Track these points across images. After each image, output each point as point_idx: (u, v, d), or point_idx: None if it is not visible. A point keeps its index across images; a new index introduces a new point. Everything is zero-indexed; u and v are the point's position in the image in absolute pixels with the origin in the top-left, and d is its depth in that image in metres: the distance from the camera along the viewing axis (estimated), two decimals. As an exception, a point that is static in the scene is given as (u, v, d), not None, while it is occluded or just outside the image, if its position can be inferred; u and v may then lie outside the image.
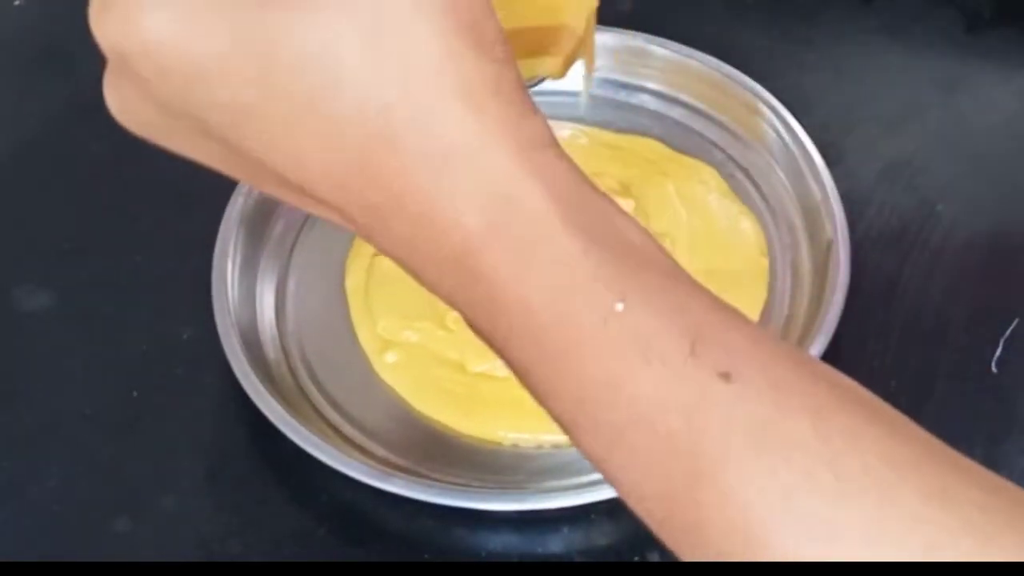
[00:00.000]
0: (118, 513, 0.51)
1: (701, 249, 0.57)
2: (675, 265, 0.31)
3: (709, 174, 0.59)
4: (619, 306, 0.29)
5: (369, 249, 0.58)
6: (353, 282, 0.57)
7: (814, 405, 0.29)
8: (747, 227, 0.57)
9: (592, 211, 0.30)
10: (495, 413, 0.52)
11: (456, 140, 0.29)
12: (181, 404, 0.54)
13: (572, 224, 0.29)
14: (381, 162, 0.30)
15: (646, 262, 0.30)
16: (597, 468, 0.31)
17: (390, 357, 0.54)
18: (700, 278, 0.31)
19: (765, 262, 0.56)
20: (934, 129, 0.61)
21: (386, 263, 0.57)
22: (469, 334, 0.53)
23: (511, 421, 0.52)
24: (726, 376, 0.29)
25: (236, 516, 0.51)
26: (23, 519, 0.51)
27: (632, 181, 0.59)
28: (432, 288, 0.32)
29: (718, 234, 0.57)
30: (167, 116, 0.32)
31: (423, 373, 0.54)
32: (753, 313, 0.54)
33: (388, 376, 0.54)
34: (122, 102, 0.33)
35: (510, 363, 0.31)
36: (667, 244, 0.56)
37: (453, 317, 0.54)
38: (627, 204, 0.57)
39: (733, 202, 0.58)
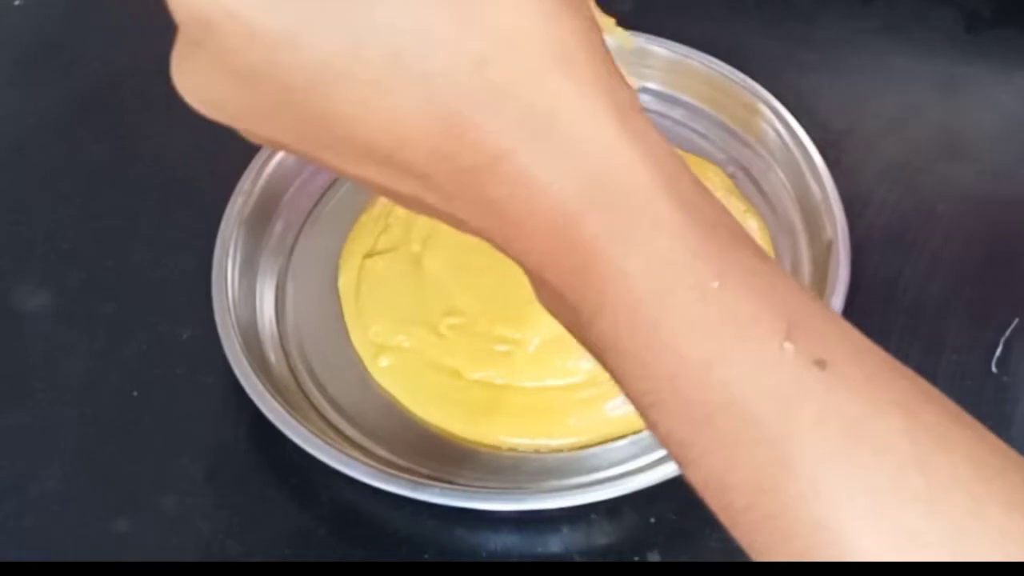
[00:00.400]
0: (118, 513, 0.51)
1: None
2: (761, 247, 0.30)
3: (714, 172, 0.59)
4: (715, 284, 0.28)
5: (360, 248, 0.58)
6: (345, 282, 0.57)
7: (904, 402, 0.29)
8: (753, 226, 0.57)
9: (686, 183, 0.29)
10: (493, 419, 0.52)
11: (555, 103, 0.29)
12: (181, 404, 0.54)
13: (673, 195, 0.29)
14: (478, 124, 0.28)
15: (738, 240, 0.30)
16: (674, 453, 0.30)
17: (384, 361, 0.54)
18: None
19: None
20: (934, 129, 0.61)
21: (377, 266, 0.57)
22: (463, 340, 0.54)
23: (509, 427, 0.52)
24: (821, 364, 0.28)
25: (236, 516, 0.51)
26: (23, 519, 0.51)
27: None
28: (519, 257, 0.30)
29: None
30: (246, 88, 0.30)
31: (418, 378, 0.53)
32: None
33: (383, 380, 0.54)
34: (195, 77, 0.31)
35: (592, 338, 0.30)
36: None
37: (447, 324, 0.54)
38: None
39: (740, 200, 0.58)
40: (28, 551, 0.50)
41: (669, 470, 0.48)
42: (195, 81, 0.32)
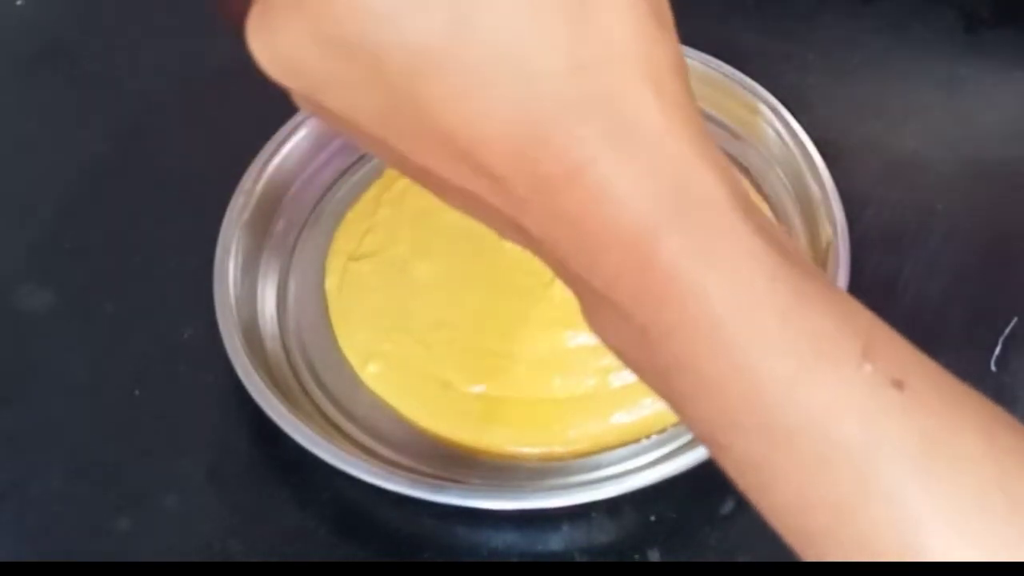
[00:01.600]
0: (119, 513, 0.51)
1: None
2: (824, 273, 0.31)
3: None
4: (794, 306, 0.28)
5: (345, 248, 0.58)
6: (331, 284, 0.57)
7: (980, 423, 0.29)
8: None
9: (755, 209, 0.29)
10: (491, 430, 0.52)
11: (641, 117, 0.28)
12: (182, 403, 0.54)
13: (749, 219, 0.29)
14: (567, 129, 0.28)
15: (808, 265, 0.30)
16: (747, 478, 0.30)
17: (372, 368, 0.54)
18: None
19: None
20: (934, 129, 0.61)
21: (363, 270, 0.57)
22: (454, 352, 0.53)
23: (509, 438, 0.52)
24: (899, 385, 0.28)
25: (237, 515, 0.51)
26: (23, 519, 0.51)
27: None
28: (585, 273, 0.30)
29: None
30: (336, 59, 0.29)
31: (409, 386, 0.53)
32: None
33: (374, 386, 0.54)
34: (280, 38, 0.30)
35: (660, 360, 0.30)
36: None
37: (436, 336, 0.54)
38: None
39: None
40: (29, 551, 0.50)
41: (669, 469, 0.48)
42: (279, 42, 0.30)
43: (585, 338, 0.53)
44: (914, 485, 0.28)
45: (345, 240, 0.58)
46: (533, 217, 0.29)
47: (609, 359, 0.52)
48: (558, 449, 0.51)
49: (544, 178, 0.29)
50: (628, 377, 0.52)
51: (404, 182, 0.60)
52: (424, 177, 0.31)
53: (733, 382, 0.28)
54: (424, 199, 0.59)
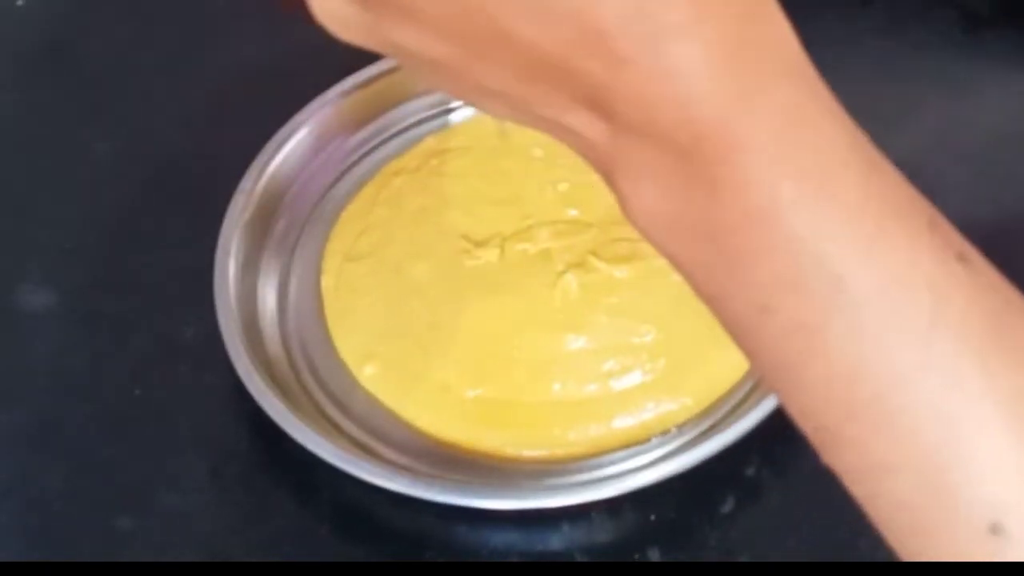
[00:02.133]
0: (119, 512, 0.51)
1: None
2: None
3: None
4: (872, 176, 0.29)
5: (340, 247, 0.58)
6: (327, 285, 0.57)
7: None
8: None
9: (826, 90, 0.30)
10: (492, 433, 0.52)
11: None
12: (183, 403, 0.54)
13: (830, 100, 0.29)
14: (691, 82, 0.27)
15: (879, 159, 0.30)
16: (786, 343, 0.29)
17: (369, 369, 0.54)
18: None
19: None
20: (934, 129, 0.61)
21: (359, 271, 0.56)
22: (452, 356, 0.53)
23: (510, 440, 0.51)
24: (963, 259, 0.29)
25: (238, 515, 0.51)
26: (24, 518, 0.51)
27: None
28: (672, 129, 0.28)
29: None
30: None
31: (405, 388, 0.53)
32: None
33: (371, 387, 0.53)
34: None
35: (731, 216, 0.28)
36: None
37: (433, 339, 0.54)
38: None
39: None
40: (29, 550, 0.50)
41: (669, 469, 0.48)
42: None
43: (586, 342, 0.53)
44: (972, 359, 0.28)
45: (341, 240, 0.58)
46: (630, 77, 0.28)
47: (612, 363, 0.52)
48: (558, 452, 0.51)
49: (655, 32, 0.27)
50: (630, 381, 0.52)
51: (401, 180, 0.60)
52: (499, 98, 0.30)
53: (803, 240, 0.28)
54: (421, 197, 0.59)
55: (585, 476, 0.50)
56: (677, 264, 0.31)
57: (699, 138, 0.28)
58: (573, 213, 0.58)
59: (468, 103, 0.33)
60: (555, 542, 0.49)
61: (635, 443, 0.51)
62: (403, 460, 0.51)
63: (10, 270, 0.59)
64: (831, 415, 0.29)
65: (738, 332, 0.30)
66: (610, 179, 0.30)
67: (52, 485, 0.52)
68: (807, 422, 0.30)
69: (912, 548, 0.30)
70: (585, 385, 0.52)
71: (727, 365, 0.52)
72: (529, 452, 0.51)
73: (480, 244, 0.57)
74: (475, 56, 0.29)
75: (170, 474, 0.52)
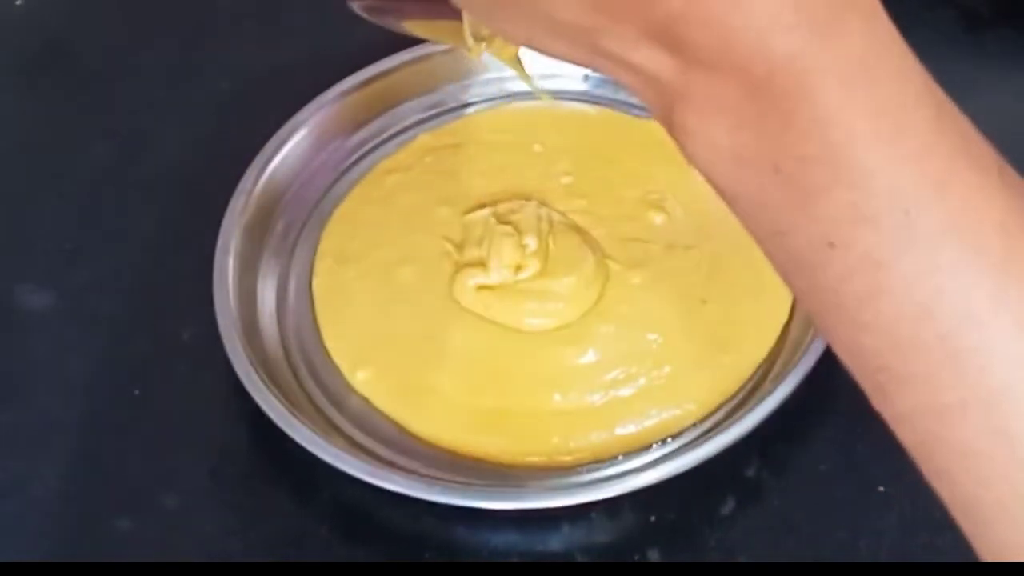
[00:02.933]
0: (119, 513, 0.51)
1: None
2: None
3: None
4: (946, 120, 0.29)
5: (332, 248, 0.57)
6: (319, 285, 0.56)
7: None
8: None
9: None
10: (483, 438, 0.51)
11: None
12: (182, 403, 0.54)
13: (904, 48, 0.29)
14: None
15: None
16: (854, 279, 0.29)
17: (362, 375, 0.53)
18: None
19: None
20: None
21: (348, 274, 0.56)
22: (448, 365, 0.53)
23: (503, 444, 0.51)
24: None
25: (237, 515, 0.51)
26: (23, 519, 0.51)
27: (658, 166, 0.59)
28: (744, 59, 0.28)
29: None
30: None
31: (398, 394, 0.53)
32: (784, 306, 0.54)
33: (365, 392, 0.53)
34: None
35: (809, 148, 0.28)
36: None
37: (428, 348, 0.53)
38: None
39: None
40: (28, 551, 0.50)
41: (669, 469, 0.48)
42: None
43: (591, 355, 0.52)
44: None
45: (332, 240, 0.58)
46: (708, 5, 0.28)
47: (617, 372, 0.52)
48: (558, 459, 0.51)
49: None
50: (634, 388, 0.52)
51: (394, 179, 0.60)
52: (562, 9, 0.30)
53: (876, 175, 0.28)
54: (413, 196, 0.59)
55: (585, 477, 0.50)
56: (739, 203, 0.30)
57: (774, 70, 0.28)
58: (581, 205, 0.57)
59: (528, 42, 0.32)
60: (555, 542, 0.49)
61: (637, 449, 0.51)
62: (403, 460, 0.50)
63: (10, 270, 0.59)
64: (894, 354, 0.29)
65: (798, 271, 0.30)
66: (671, 115, 0.30)
67: (51, 485, 0.52)
68: (865, 363, 0.30)
69: (968, 496, 0.29)
70: (588, 395, 0.52)
71: (732, 369, 0.52)
72: (528, 459, 0.51)
73: (461, 246, 0.56)
74: None
75: (169, 474, 0.52)
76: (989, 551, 0.30)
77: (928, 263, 0.28)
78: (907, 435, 0.30)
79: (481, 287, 0.54)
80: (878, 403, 0.30)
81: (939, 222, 0.28)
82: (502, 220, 0.56)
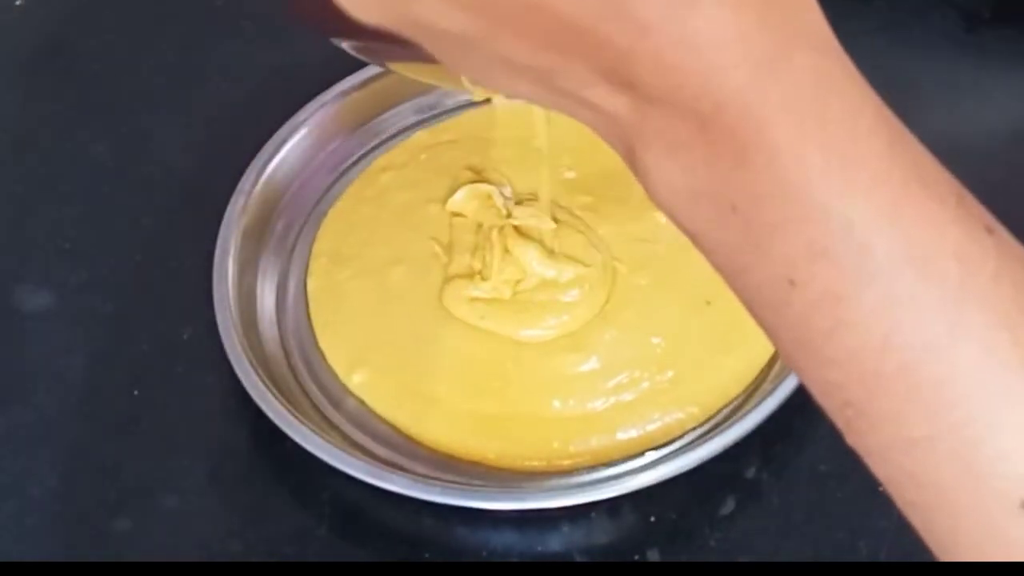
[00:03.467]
0: (118, 513, 0.51)
1: None
2: None
3: None
4: (897, 148, 0.29)
5: (327, 248, 0.57)
6: (313, 286, 0.56)
7: None
8: None
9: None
10: (481, 443, 0.51)
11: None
12: (182, 403, 0.54)
13: (855, 76, 0.29)
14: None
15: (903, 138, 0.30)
16: (816, 314, 0.28)
17: (358, 377, 0.53)
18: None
19: None
20: (934, 129, 0.61)
21: (342, 275, 0.56)
22: (437, 366, 0.52)
23: (501, 449, 0.51)
24: (990, 230, 0.29)
25: (237, 515, 0.51)
26: (23, 519, 0.51)
27: None
28: (693, 98, 0.28)
29: None
30: None
31: (394, 397, 0.52)
32: None
33: (361, 395, 0.53)
34: None
35: (762, 186, 0.28)
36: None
37: (419, 350, 0.53)
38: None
39: None
40: (28, 551, 0.50)
41: (669, 469, 0.48)
42: None
43: (594, 362, 0.52)
44: (1003, 333, 0.27)
45: (326, 240, 0.58)
46: (653, 44, 0.28)
47: (620, 378, 0.51)
48: (557, 463, 0.50)
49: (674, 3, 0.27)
50: (636, 393, 0.51)
51: (388, 176, 0.60)
52: (516, 51, 0.30)
53: (831, 209, 0.28)
54: (406, 194, 0.59)
55: (584, 477, 0.50)
56: (700, 242, 0.30)
57: (723, 107, 0.28)
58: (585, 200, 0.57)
59: (487, 82, 0.32)
60: (555, 543, 0.49)
61: (638, 453, 0.50)
62: (403, 461, 0.50)
63: (9, 271, 0.59)
64: (860, 389, 0.29)
65: (762, 308, 0.30)
66: (632, 155, 0.30)
67: (50, 485, 0.52)
68: (832, 399, 0.30)
69: (941, 528, 0.29)
70: (589, 403, 0.51)
71: (735, 372, 0.52)
72: (527, 463, 0.51)
73: (449, 248, 0.56)
74: (500, 26, 0.29)
75: (169, 474, 0.52)
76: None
77: (886, 295, 0.28)
78: (879, 469, 0.30)
79: (475, 299, 0.54)
80: (849, 438, 0.30)
81: (895, 253, 0.28)
82: (503, 228, 0.55)
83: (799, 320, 0.29)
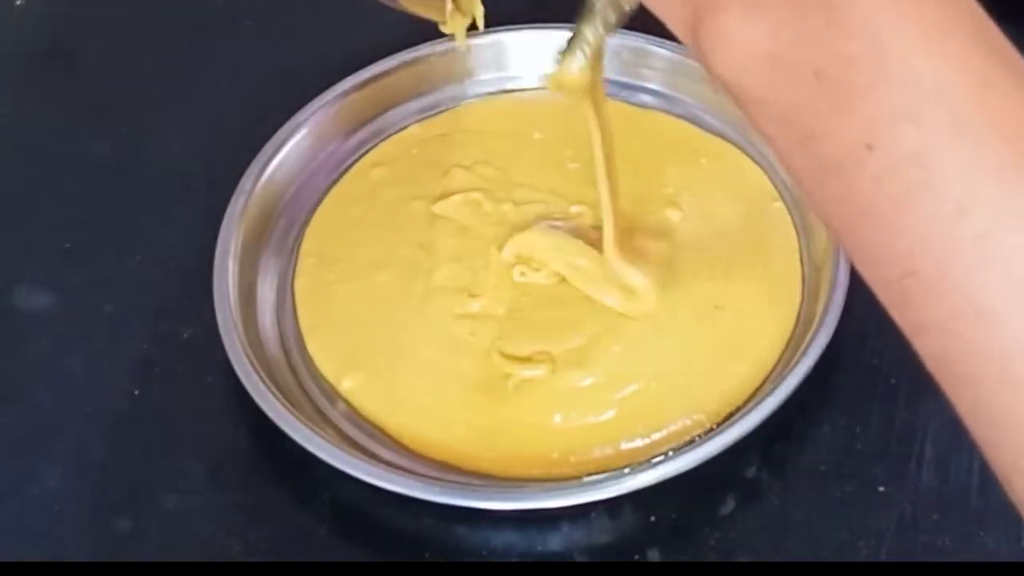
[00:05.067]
0: (118, 513, 0.51)
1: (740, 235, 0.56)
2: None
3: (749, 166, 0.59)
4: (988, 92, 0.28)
5: (314, 248, 0.57)
6: (300, 287, 0.56)
7: None
8: (779, 207, 0.57)
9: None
10: (478, 453, 0.50)
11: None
12: (182, 403, 0.54)
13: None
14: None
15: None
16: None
17: (347, 383, 0.53)
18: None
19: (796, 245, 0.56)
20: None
21: (329, 277, 0.56)
22: (429, 376, 0.51)
23: (498, 459, 0.50)
24: None
25: (237, 515, 0.51)
26: (24, 519, 0.51)
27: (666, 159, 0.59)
28: (782, 56, 0.28)
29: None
30: None
31: (386, 404, 0.52)
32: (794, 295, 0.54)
33: (352, 400, 0.52)
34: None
35: (859, 131, 0.28)
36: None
37: (407, 360, 0.53)
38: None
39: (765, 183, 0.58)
40: (28, 551, 0.50)
41: (669, 469, 0.48)
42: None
43: (596, 378, 0.52)
44: None
45: (315, 240, 0.58)
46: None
47: (626, 390, 0.51)
48: (556, 471, 0.50)
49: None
50: (641, 404, 0.51)
51: (378, 172, 0.60)
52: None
53: (925, 73, 0.28)
54: (395, 190, 0.59)
55: (585, 477, 0.50)
56: (768, 109, 0.30)
57: (848, 61, 0.28)
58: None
59: None
60: (555, 542, 0.49)
61: (642, 461, 0.49)
62: (402, 461, 0.50)
63: (9, 270, 0.59)
64: (928, 257, 0.28)
65: (828, 177, 0.29)
66: (700, 25, 0.30)
67: (50, 485, 0.52)
68: (893, 269, 0.29)
69: (994, 402, 0.28)
70: (590, 416, 0.51)
71: (742, 379, 0.51)
72: (526, 471, 0.50)
73: (431, 249, 0.56)
74: None
75: (169, 474, 0.52)
76: (1008, 462, 0.29)
77: (969, 162, 0.27)
78: (931, 342, 0.29)
79: (463, 316, 0.54)
80: (901, 313, 0.29)
81: (982, 122, 0.27)
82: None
83: (870, 186, 0.28)
